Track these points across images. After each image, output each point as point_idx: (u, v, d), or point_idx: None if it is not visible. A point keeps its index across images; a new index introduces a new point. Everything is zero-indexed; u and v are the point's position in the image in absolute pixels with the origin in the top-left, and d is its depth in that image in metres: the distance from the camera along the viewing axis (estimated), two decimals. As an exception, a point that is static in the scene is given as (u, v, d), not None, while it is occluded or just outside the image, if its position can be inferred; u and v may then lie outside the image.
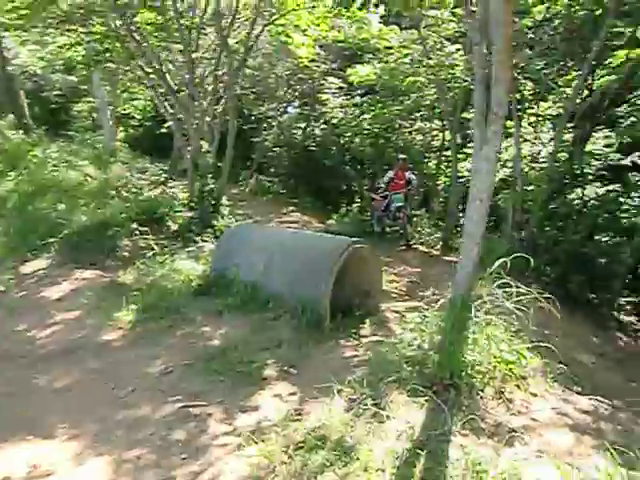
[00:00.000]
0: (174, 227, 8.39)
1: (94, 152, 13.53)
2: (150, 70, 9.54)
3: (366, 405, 3.32)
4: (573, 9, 8.28)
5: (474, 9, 5.33)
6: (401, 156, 11.09)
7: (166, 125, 11.86)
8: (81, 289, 5.81)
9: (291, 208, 13.64)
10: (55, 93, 17.60)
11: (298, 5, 9.72)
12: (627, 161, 9.44)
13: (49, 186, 9.26)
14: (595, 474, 2.59)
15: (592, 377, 5.00)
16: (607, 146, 9.87)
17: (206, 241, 7.88)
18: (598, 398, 3.92)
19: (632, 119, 7.54)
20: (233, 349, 4.33)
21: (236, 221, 9.11)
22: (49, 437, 3.20)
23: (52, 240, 6.97)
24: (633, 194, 8.72)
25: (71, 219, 7.51)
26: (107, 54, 9.54)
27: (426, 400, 3.38)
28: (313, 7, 9.94)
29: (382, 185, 10.84)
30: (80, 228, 7.31)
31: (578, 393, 4.02)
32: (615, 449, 2.44)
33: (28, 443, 3.12)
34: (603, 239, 7.65)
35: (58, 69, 17.68)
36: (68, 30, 10.86)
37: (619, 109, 8.70)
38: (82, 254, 6.91)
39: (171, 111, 9.95)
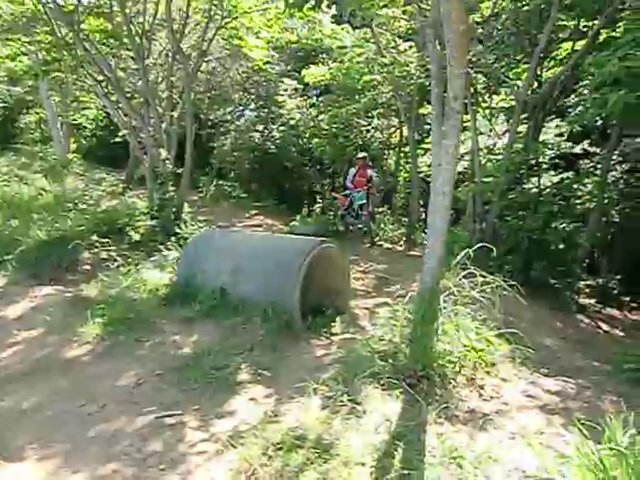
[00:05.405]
0: (136, 237, 8.20)
1: (47, 164, 13.20)
2: (101, 78, 9.32)
3: (342, 402, 3.35)
4: (519, 4, 8.54)
5: (425, 7, 5.45)
6: (361, 154, 11.14)
7: (120, 134, 11.60)
8: (42, 306, 5.60)
9: (254, 212, 13.58)
10: (-1, 105, 17.02)
11: (250, 8, 9.70)
12: (578, 149, 9.83)
13: (1, 201, 8.96)
14: (567, 451, 2.69)
15: (557, 359, 5.16)
16: (559, 135, 10.24)
17: (170, 249, 7.73)
18: (564, 379, 4.07)
19: (580, 108, 7.83)
20: (205, 356, 4.28)
21: (199, 228, 9.00)
22: (19, 459, 3.09)
23: (8, 257, 6.70)
24: (585, 180, 9.06)
25: (27, 234, 7.24)
26: (55, 63, 9.25)
27: (401, 392, 3.44)
28: (265, 9, 9.93)
29: (348, 184, 10.86)
30: (37, 243, 7.03)
31: (545, 375, 4.16)
32: (583, 424, 2.52)
33: (-3, 467, 3.01)
34: (560, 226, 7.89)
35: (1, 80, 17.11)
36: (10, 40, 10.52)
37: (568, 99, 9.01)
38: (41, 270, 6.68)
39: (125, 119, 9.76)
